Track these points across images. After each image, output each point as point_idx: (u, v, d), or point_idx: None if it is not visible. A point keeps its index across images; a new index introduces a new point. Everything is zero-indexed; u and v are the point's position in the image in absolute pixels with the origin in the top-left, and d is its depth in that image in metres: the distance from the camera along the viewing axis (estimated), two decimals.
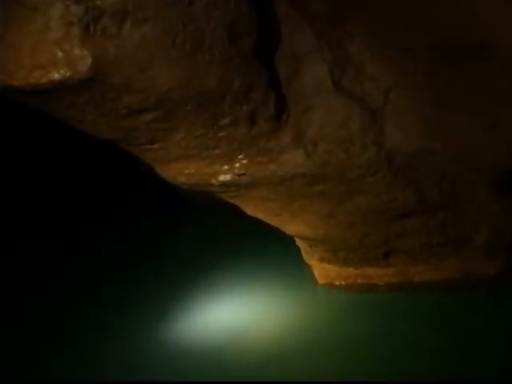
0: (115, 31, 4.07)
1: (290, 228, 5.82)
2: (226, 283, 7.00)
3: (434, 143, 4.82)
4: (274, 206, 5.59)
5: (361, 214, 5.32)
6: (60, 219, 8.78)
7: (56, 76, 3.96)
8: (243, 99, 4.59)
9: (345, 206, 5.29)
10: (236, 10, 4.41)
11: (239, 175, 5.21)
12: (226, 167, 5.18)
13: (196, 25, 4.22)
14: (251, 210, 5.89)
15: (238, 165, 5.14)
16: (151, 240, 8.11)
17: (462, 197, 5.23)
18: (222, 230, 8.28)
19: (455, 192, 5.18)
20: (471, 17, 4.43)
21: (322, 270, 6.24)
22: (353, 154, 4.89)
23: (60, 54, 3.99)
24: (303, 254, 6.65)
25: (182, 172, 5.38)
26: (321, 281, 6.35)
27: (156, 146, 5.09)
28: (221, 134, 4.85)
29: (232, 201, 5.86)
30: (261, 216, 5.94)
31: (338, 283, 6.27)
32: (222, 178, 5.27)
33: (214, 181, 5.33)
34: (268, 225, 6.32)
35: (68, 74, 3.96)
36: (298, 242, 6.44)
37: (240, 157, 5.07)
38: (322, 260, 6.14)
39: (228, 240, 7.93)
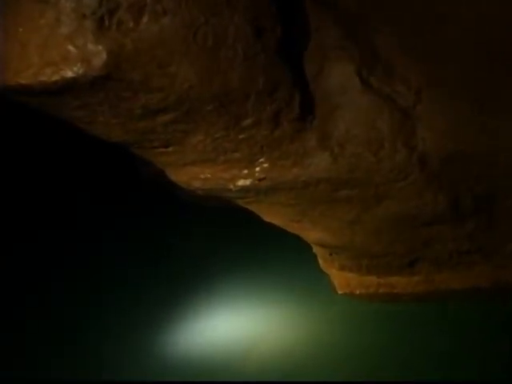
0: (132, 25, 3.73)
1: (311, 235, 5.52)
2: (235, 292, 6.76)
3: (469, 146, 4.53)
4: (295, 211, 5.29)
5: (388, 221, 5.02)
6: (60, 219, 8.63)
7: (68, 73, 3.63)
8: (267, 99, 4.28)
9: (371, 212, 4.99)
10: (260, 3, 4.11)
11: (259, 180, 4.90)
12: (245, 171, 4.87)
13: (219, 18, 3.90)
14: (269, 216, 5.58)
15: (258, 169, 4.83)
16: (153, 241, 7.94)
17: (495, 203, 4.95)
18: (228, 235, 8.02)
19: (488, 198, 4.88)
20: None
21: (342, 279, 5.94)
22: (382, 158, 4.58)
23: (72, 49, 3.65)
24: (320, 262, 6.35)
25: (197, 177, 5.07)
26: (340, 290, 6.04)
27: (170, 149, 4.78)
28: (241, 137, 4.54)
29: (248, 206, 5.55)
30: (279, 222, 5.64)
31: (358, 292, 5.98)
32: (241, 182, 4.96)
33: (231, 186, 5.01)
34: (279, 230, 6.06)
35: (81, 71, 3.63)
36: (316, 250, 6.13)
37: (261, 160, 4.76)
38: (342, 268, 5.84)
39: (233, 245, 7.65)
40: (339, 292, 6.03)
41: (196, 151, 4.70)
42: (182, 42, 3.82)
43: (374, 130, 4.62)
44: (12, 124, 8.27)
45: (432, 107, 4.53)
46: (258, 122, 4.43)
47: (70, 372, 5.62)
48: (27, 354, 5.97)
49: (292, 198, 5.10)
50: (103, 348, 5.90)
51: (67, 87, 3.78)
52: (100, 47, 3.64)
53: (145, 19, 3.77)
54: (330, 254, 5.79)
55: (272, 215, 5.53)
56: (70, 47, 3.66)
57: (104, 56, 3.64)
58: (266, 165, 4.79)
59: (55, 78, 3.69)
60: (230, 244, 7.69)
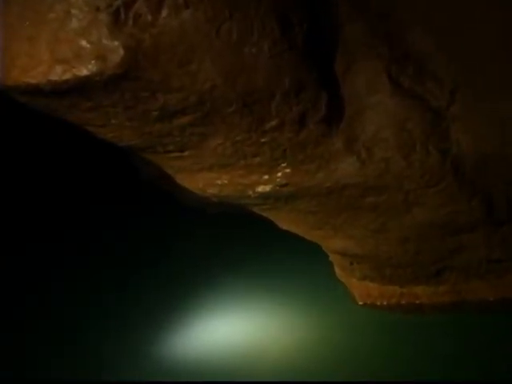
0: (150, 19, 3.42)
1: (332, 243, 5.23)
2: (245, 298, 6.56)
3: (506, 148, 4.26)
4: (316, 219, 4.99)
5: (416, 229, 4.73)
6: (60, 220, 8.50)
7: (82, 71, 3.30)
8: (293, 99, 3.98)
9: (399, 220, 4.70)
10: None
11: (281, 186, 4.59)
12: (265, 177, 4.56)
13: (244, 12, 3.59)
14: (286, 223, 5.29)
15: (280, 174, 4.53)
16: (153, 242, 7.86)
17: None
18: (231, 237, 7.82)
19: None
20: None
21: (363, 289, 5.65)
22: (414, 162, 4.29)
23: (86, 45, 3.33)
24: (337, 272, 6.06)
25: (213, 183, 4.76)
26: (361, 300, 5.75)
27: (186, 153, 4.46)
28: (263, 140, 4.24)
29: (265, 213, 5.25)
30: (297, 230, 5.34)
31: (379, 303, 5.69)
32: (261, 189, 4.65)
33: (250, 192, 4.71)
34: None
35: (96, 68, 3.31)
36: (334, 258, 5.84)
37: (283, 165, 4.46)
38: (363, 278, 5.55)
39: (236, 247, 7.48)
40: (360, 302, 5.75)
41: (214, 155, 4.39)
42: (204, 37, 3.50)
43: (405, 133, 4.33)
44: (13, 124, 8.03)
45: (467, 108, 4.25)
46: (282, 124, 4.13)
47: (70, 372, 5.55)
48: (27, 354, 5.90)
49: (314, 204, 4.80)
50: (103, 348, 5.83)
51: (79, 87, 3.46)
52: (116, 43, 3.31)
53: (164, 13, 3.46)
54: (351, 264, 5.50)
55: (290, 223, 5.23)
56: (83, 43, 3.33)
57: (121, 52, 3.32)
58: (288, 170, 4.49)
59: (67, 76, 3.37)
60: (234, 246, 7.50)
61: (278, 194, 4.69)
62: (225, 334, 6.09)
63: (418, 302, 5.49)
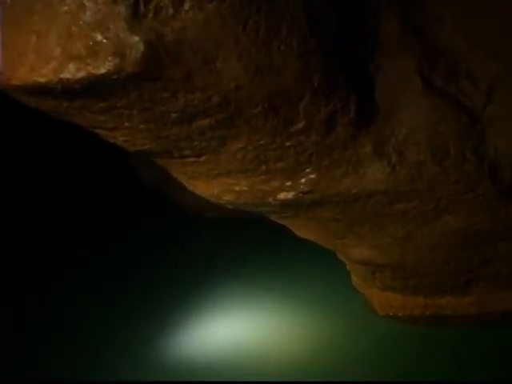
0: (172, 12, 3.11)
1: (355, 253, 4.94)
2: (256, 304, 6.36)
3: None
4: (339, 227, 4.71)
5: (447, 237, 4.45)
6: (60, 222, 8.41)
7: (99, 69, 2.99)
8: (322, 100, 3.69)
9: (428, 228, 4.43)
10: None
11: (304, 193, 4.31)
12: (288, 183, 4.27)
13: (272, 5, 3.30)
14: (305, 231, 5.00)
15: (303, 180, 4.24)
16: (153, 244, 7.77)
17: None
18: (234, 240, 7.66)
19: None
20: None
21: (384, 300, 5.37)
22: (448, 167, 4.01)
23: (102, 41, 3.03)
24: (355, 281, 5.77)
25: (230, 189, 4.46)
26: (382, 312, 5.47)
27: (203, 158, 4.17)
28: (288, 144, 3.95)
29: (283, 221, 4.96)
30: (317, 238, 5.06)
31: (401, 314, 5.41)
32: (282, 196, 4.36)
33: (270, 199, 4.42)
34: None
35: (114, 66, 3.00)
36: (352, 267, 5.55)
37: (307, 171, 4.17)
38: (385, 288, 5.27)
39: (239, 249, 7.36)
40: (380, 314, 5.48)
41: (233, 160, 4.10)
42: (229, 33, 3.22)
43: (438, 136, 4.06)
44: (12, 124, 7.90)
45: (505, 109, 3.98)
46: (310, 127, 3.84)
47: (70, 372, 5.52)
48: (27, 354, 5.87)
49: (338, 212, 4.52)
50: (103, 349, 5.80)
51: (94, 86, 3.15)
52: (136, 38, 3.01)
53: (187, 5, 3.15)
54: (373, 273, 5.23)
55: (310, 231, 4.95)
56: (99, 38, 3.03)
57: (141, 48, 3.02)
58: (312, 176, 4.21)
59: (81, 75, 3.06)
60: (237, 249, 7.38)
61: (300, 202, 4.40)
62: (233, 344, 5.89)
63: (442, 313, 5.22)
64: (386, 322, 5.49)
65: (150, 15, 3.11)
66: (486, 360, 5.17)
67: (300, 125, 3.80)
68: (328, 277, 6.34)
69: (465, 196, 4.12)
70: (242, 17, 3.24)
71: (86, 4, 3.12)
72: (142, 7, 3.09)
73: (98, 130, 4.01)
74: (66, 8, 3.15)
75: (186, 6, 3.16)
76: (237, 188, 4.41)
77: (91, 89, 3.22)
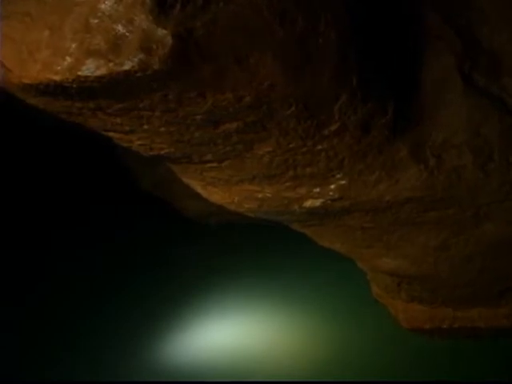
0: (201, 2, 2.78)
1: (382, 263, 4.64)
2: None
3: None
4: (366, 236, 4.43)
5: (484, 246, 4.19)
6: (61, 222, 8.37)
7: (123, 66, 2.64)
8: (359, 100, 3.39)
9: (465, 236, 4.16)
10: None
11: (333, 200, 4.01)
12: (316, 190, 3.97)
13: None
14: (329, 240, 4.70)
15: (333, 187, 3.94)
16: (152, 247, 7.69)
17: None
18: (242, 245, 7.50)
19: None
20: None
21: (410, 312, 5.10)
22: (491, 172, 3.74)
23: (125, 34, 2.70)
24: (376, 291, 5.50)
25: (252, 196, 4.15)
26: (406, 324, 5.20)
27: (226, 163, 3.84)
28: (320, 147, 3.65)
29: (306, 230, 4.66)
30: (341, 248, 4.76)
31: (428, 327, 5.14)
32: (309, 203, 4.05)
33: (296, 207, 4.11)
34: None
35: (139, 62, 2.66)
36: (375, 278, 5.27)
37: (338, 176, 3.88)
38: (411, 300, 5.00)
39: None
40: (405, 326, 5.21)
41: (259, 166, 3.78)
42: (265, 26, 2.89)
43: (480, 139, 3.78)
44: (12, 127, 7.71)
45: None
46: (344, 129, 3.54)
47: (69, 373, 5.55)
48: (27, 354, 5.89)
49: (367, 220, 4.23)
50: (103, 350, 5.80)
51: (114, 85, 2.84)
52: (164, 31, 2.68)
53: None
54: (398, 284, 4.95)
55: (334, 240, 4.65)
56: (122, 31, 2.70)
57: (169, 42, 2.69)
58: (343, 182, 3.91)
59: (101, 72, 2.73)
60: (244, 255, 7.26)
61: (327, 209, 4.10)
62: (241, 351, 5.88)
63: (473, 325, 4.97)
64: (411, 335, 5.23)
65: (178, 6, 2.77)
66: None
67: (334, 127, 3.49)
68: (345, 287, 6.14)
69: (507, 203, 3.87)
70: (278, 8, 2.92)
71: None
72: None
73: (111, 134, 3.68)
74: None
75: None
76: (260, 195, 4.10)
77: (110, 88, 2.88)
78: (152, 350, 5.80)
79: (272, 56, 3.00)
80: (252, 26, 2.92)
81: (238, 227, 7.43)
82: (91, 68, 2.77)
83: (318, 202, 3.97)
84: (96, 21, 2.80)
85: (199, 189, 4.56)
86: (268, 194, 4.02)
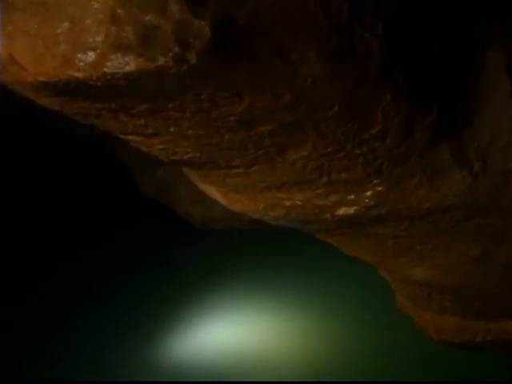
0: None
1: (413, 273, 4.36)
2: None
3: None
4: (399, 245, 4.15)
5: None
6: (61, 222, 8.28)
7: (156, 61, 2.34)
8: (404, 100, 3.13)
9: (506, 247, 3.90)
10: None
11: (368, 207, 3.74)
12: (351, 197, 3.69)
13: None
14: (357, 250, 4.42)
15: (369, 193, 3.66)
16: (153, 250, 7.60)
17: None
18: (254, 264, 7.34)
19: None
20: None
21: (440, 324, 4.82)
22: None
23: (158, 26, 2.39)
24: (402, 302, 5.22)
25: (279, 204, 3.86)
26: (436, 337, 4.93)
27: (254, 168, 3.55)
28: (358, 151, 3.36)
29: (331, 239, 4.39)
30: (368, 257, 4.49)
31: (459, 340, 4.87)
32: (342, 211, 3.77)
33: (327, 215, 3.82)
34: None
35: (173, 57, 2.36)
36: (402, 288, 5.00)
37: (375, 182, 3.59)
38: (442, 312, 4.73)
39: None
40: (435, 339, 4.95)
41: (290, 171, 3.50)
42: (309, 16, 2.62)
43: None
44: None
45: None
46: (386, 132, 3.26)
47: (69, 373, 5.63)
48: (27, 354, 5.94)
49: (402, 229, 3.95)
50: (103, 350, 5.85)
51: (144, 83, 2.55)
52: (201, 22, 2.40)
53: None
54: (429, 295, 4.69)
55: (362, 250, 4.37)
56: (154, 22, 2.43)
57: (207, 35, 2.39)
58: (380, 188, 3.63)
59: (130, 68, 2.43)
60: (254, 261, 7.17)
61: (361, 217, 3.82)
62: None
63: (508, 338, 4.71)
64: (441, 349, 4.99)
65: None
66: None
67: (376, 129, 3.21)
68: (345, 286, 6.04)
69: None
70: None
71: None
72: None
73: (130, 137, 3.37)
74: None
75: None
76: (288, 203, 3.81)
77: (138, 86, 2.59)
78: (152, 350, 5.82)
79: (316, 50, 2.71)
80: (296, 17, 2.64)
81: (246, 234, 7.31)
82: (119, 64, 2.46)
83: (351, 210, 3.69)
84: (124, 11, 2.49)
85: (218, 196, 4.28)
86: (297, 202, 3.74)
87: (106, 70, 2.48)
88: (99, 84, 2.58)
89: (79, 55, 2.53)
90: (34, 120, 7.08)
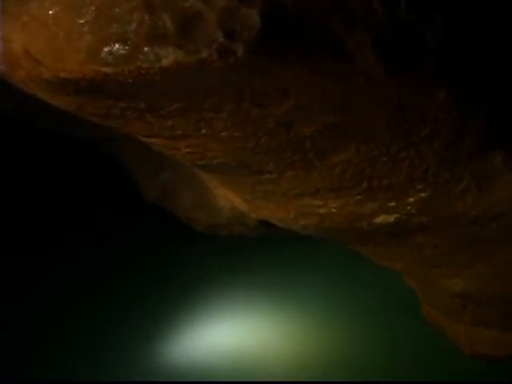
0: None
1: (449, 283, 4.10)
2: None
3: None
4: (436, 255, 3.87)
5: None
6: (61, 222, 8.12)
7: (200, 53, 2.06)
8: (456, 101, 2.82)
9: None
10: None
11: (410, 215, 3.46)
12: (392, 204, 3.41)
13: None
14: (390, 259, 4.14)
15: (411, 200, 3.38)
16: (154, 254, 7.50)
17: None
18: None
19: None
20: None
21: (475, 336, 4.57)
22: None
23: (200, 13, 2.14)
24: (429, 312, 4.96)
25: (312, 212, 3.57)
26: (469, 350, 4.68)
27: (288, 174, 3.26)
28: (404, 155, 3.09)
29: (363, 248, 4.12)
30: (402, 267, 4.21)
31: (494, 354, 4.62)
32: (381, 219, 3.49)
33: (364, 223, 3.54)
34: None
35: (218, 48, 2.09)
36: (430, 298, 4.75)
37: (418, 187, 3.32)
38: (476, 324, 4.47)
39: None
40: (468, 352, 4.69)
41: (328, 177, 3.21)
42: (364, 5, 2.35)
43: None
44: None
45: None
46: (435, 135, 2.98)
47: (69, 373, 5.51)
48: (27, 354, 5.85)
49: (442, 237, 3.68)
50: (103, 350, 5.77)
51: (181, 78, 2.26)
52: (250, 10, 2.11)
53: None
54: (464, 306, 4.43)
55: (396, 259, 4.10)
56: (196, 9, 2.11)
57: (257, 23, 2.10)
58: (424, 194, 3.35)
59: (168, 62, 2.11)
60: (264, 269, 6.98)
61: (400, 226, 3.54)
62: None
63: None
64: (475, 362, 4.72)
65: None
66: None
67: (425, 132, 2.93)
68: (345, 286, 5.87)
69: None
70: None
71: None
72: None
73: (153, 140, 3.08)
74: None
75: None
76: (322, 210, 3.53)
77: (173, 82, 2.30)
78: (152, 351, 5.73)
79: (370, 43, 2.43)
80: (350, 6, 2.37)
81: (252, 240, 7.14)
82: (154, 56, 2.17)
83: (391, 218, 3.41)
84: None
85: (241, 202, 3.99)
86: (333, 210, 3.46)
87: (139, 64, 2.18)
88: (130, 80, 2.28)
89: (107, 48, 2.23)
90: (34, 122, 6.90)
